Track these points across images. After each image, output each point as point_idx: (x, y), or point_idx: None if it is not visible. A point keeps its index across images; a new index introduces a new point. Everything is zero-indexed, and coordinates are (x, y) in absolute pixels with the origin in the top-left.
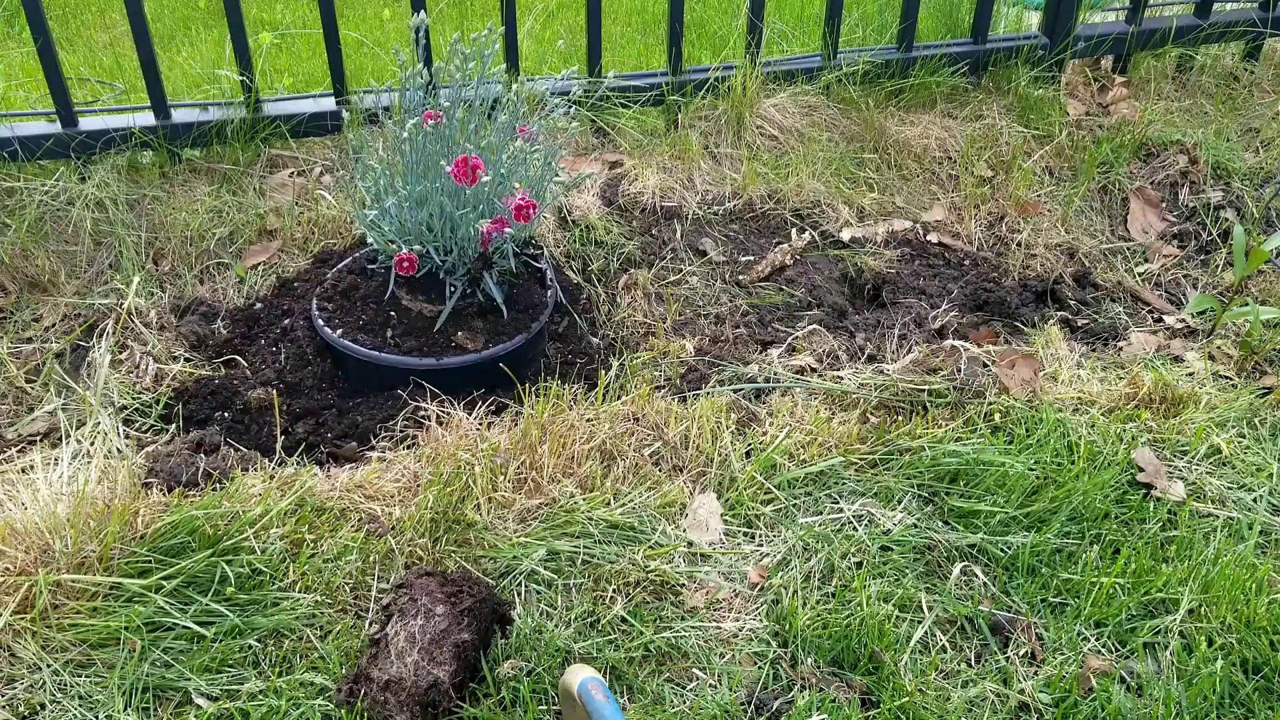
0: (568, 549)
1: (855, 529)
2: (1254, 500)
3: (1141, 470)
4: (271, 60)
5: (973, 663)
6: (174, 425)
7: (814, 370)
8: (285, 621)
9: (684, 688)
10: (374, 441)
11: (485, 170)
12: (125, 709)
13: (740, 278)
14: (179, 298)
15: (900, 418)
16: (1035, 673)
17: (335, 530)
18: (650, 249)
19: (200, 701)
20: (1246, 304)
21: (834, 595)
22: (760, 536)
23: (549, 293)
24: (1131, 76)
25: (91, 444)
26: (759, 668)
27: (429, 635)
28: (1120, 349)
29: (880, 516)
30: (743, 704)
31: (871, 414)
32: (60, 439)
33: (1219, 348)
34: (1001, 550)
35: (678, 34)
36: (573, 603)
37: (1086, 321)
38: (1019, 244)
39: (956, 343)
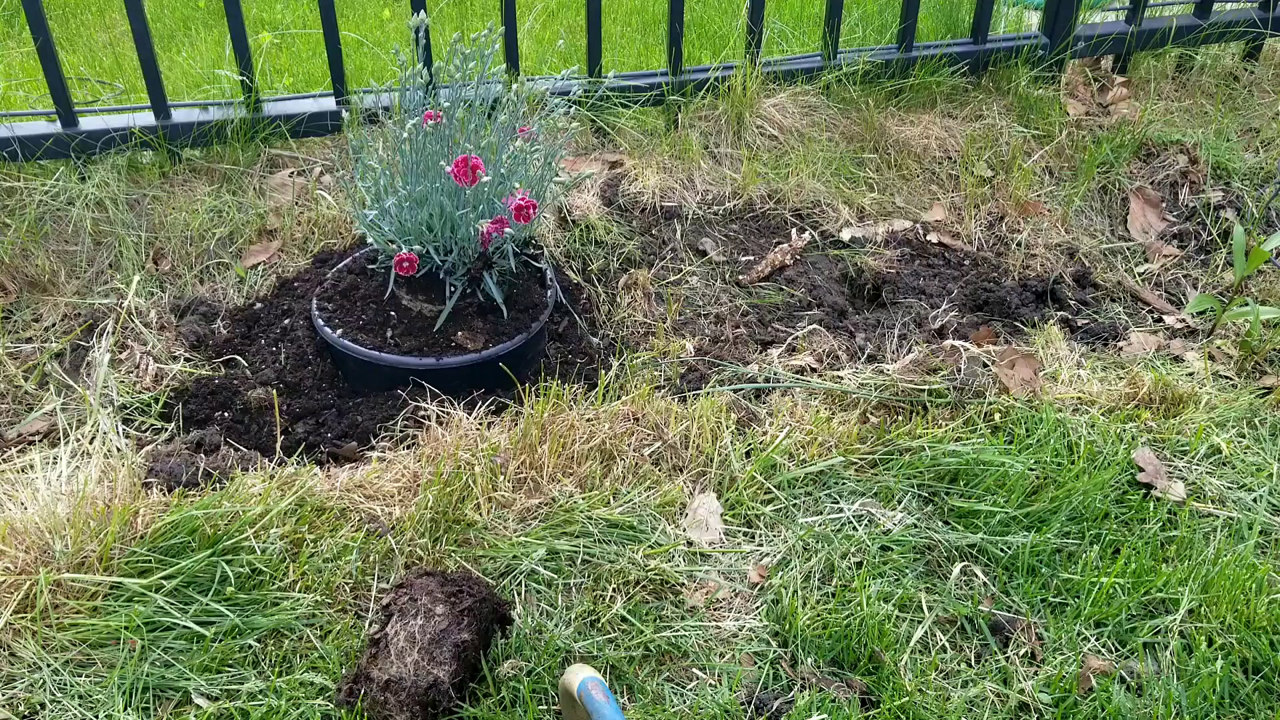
0: (567, 548)
1: (855, 529)
2: (1254, 500)
3: (1141, 470)
4: (271, 60)
5: (973, 663)
6: (174, 425)
7: (814, 370)
8: (285, 621)
9: (684, 687)
10: (374, 441)
11: (485, 170)
12: (125, 709)
13: (740, 278)
14: (179, 298)
15: (900, 418)
16: (1035, 673)
17: (335, 530)
18: (650, 249)
19: (200, 701)
20: (1246, 304)
21: (834, 595)
22: (760, 536)
23: (549, 293)
24: (1131, 76)
25: (91, 443)
26: (759, 667)
27: (429, 635)
28: (1120, 349)
29: (880, 516)
30: (743, 704)
31: (871, 414)
32: (60, 439)
33: (1219, 348)
34: (1001, 550)
35: (678, 34)
36: (572, 602)
37: (1086, 321)
38: (1019, 244)
39: (956, 343)
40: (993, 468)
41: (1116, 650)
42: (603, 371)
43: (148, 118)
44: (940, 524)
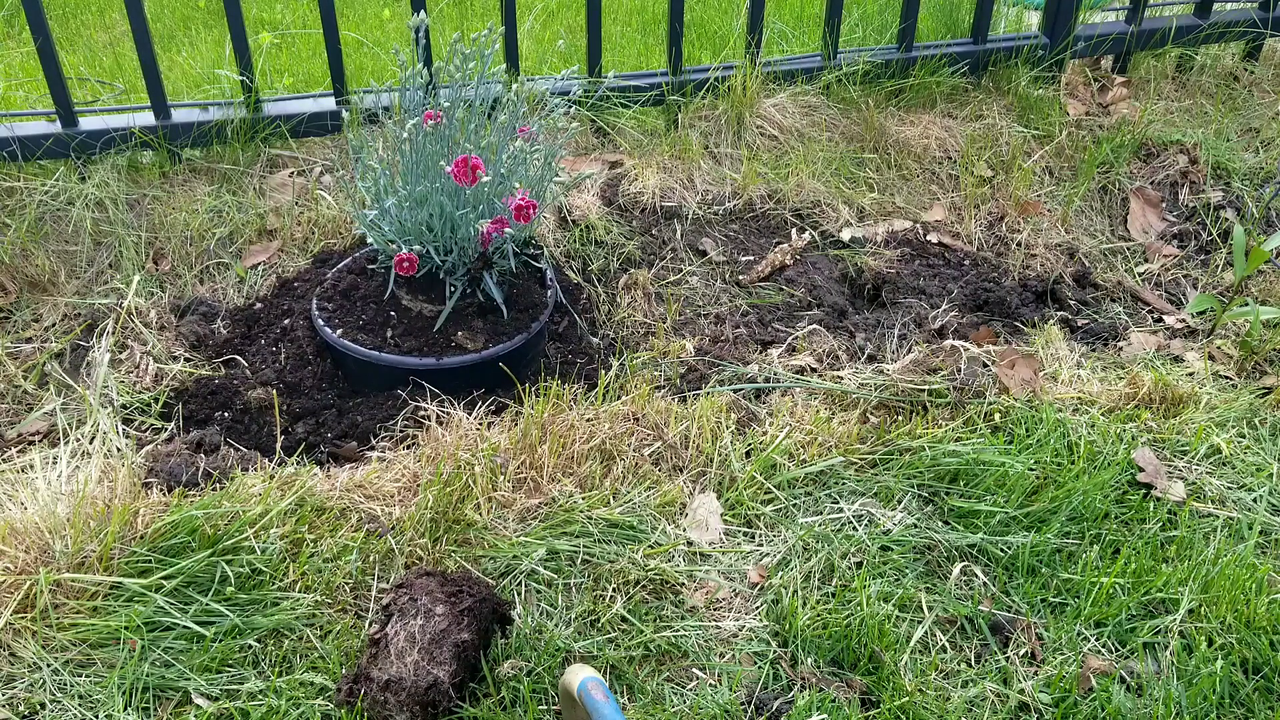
0: (567, 548)
1: (855, 529)
2: (1254, 500)
3: (1141, 470)
4: (271, 60)
5: (973, 663)
6: (174, 425)
7: (814, 370)
8: (285, 621)
9: (684, 687)
10: (374, 441)
11: (485, 170)
12: (125, 709)
13: (740, 278)
14: (179, 298)
15: (900, 418)
16: (1035, 673)
17: (335, 530)
18: (650, 249)
19: (200, 701)
20: (1246, 304)
21: (834, 595)
22: (760, 536)
23: (549, 293)
24: (1131, 76)
25: (91, 443)
26: (759, 667)
27: (429, 635)
28: (1120, 349)
29: (880, 516)
30: (743, 704)
31: (871, 414)
32: (60, 438)
33: (1219, 348)
34: (1001, 550)
35: (678, 34)
36: (572, 602)
37: (1086, 321)
38: (1019, 244)
39: (956, 343)
40: (993, 468)
41: (1116, 650)
42: (603, 371)
43: (148, 118)
44: (940, 524)
